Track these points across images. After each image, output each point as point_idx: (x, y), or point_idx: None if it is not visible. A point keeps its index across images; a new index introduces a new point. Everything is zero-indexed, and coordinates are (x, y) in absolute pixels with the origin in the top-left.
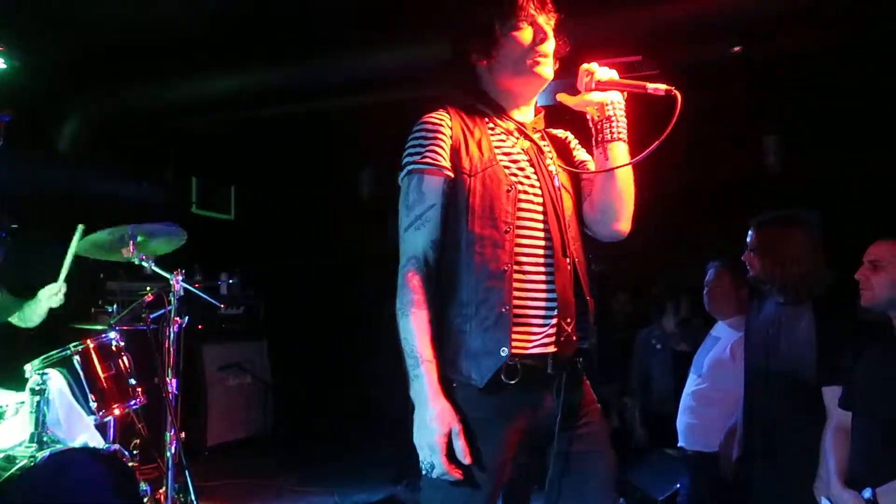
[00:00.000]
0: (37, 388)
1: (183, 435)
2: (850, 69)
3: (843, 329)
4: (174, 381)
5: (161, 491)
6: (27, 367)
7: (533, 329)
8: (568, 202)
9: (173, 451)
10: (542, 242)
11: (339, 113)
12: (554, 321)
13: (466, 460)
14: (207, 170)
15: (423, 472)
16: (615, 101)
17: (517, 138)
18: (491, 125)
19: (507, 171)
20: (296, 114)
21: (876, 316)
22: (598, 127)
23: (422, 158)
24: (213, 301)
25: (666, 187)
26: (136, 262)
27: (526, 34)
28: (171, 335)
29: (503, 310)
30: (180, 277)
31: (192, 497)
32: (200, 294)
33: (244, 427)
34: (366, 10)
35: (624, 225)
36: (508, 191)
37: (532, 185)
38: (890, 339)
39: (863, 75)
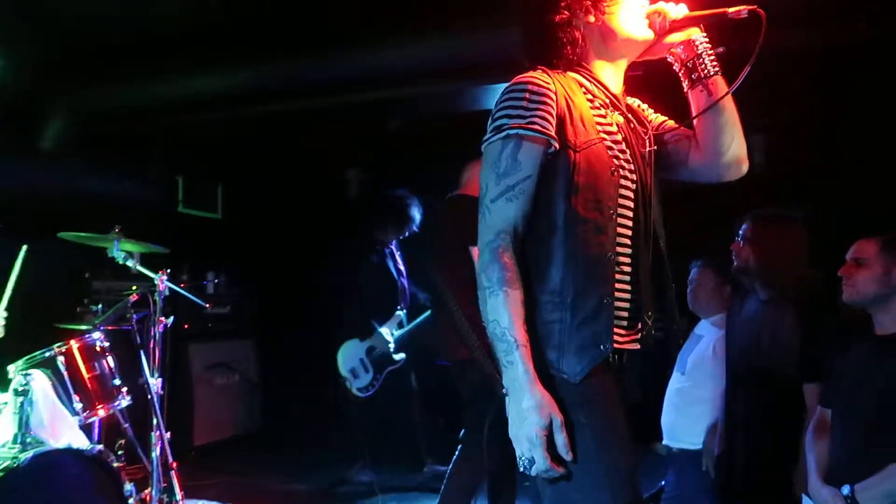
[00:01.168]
0: (20, 388)
1: (168, 435)
2: (834, 69)
3: (826, 328)
4: (159, 380)
5: (147, 491)
6: (10, 368)
7: (624, 322)
8: (654, 181)
9: (159, 451)
10: (631, 230)
11: (327, 111)
12: (638, 314)
13: (568, 456)
14: (194, 168)
15: (521, 469)
16: (698, 36)
17: (612, 111)
18: (590, 96)
19: (609, 151)
20: (284, 112)
21: (857, 313)
22: (691, 66)
23: (527, 123)
24: (199, 301)
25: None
26: (121, 262)
27: None
28: (157, 335)
29: (606, 301)
30: (165, 277)
31: (177, 497)
32: (186, 294)
33: (231, 426)
34: (353, 9)
35: (744, 153)
36: (613, 172)
37: (629, 167)
38: (871, 338)
39: (846, 76)
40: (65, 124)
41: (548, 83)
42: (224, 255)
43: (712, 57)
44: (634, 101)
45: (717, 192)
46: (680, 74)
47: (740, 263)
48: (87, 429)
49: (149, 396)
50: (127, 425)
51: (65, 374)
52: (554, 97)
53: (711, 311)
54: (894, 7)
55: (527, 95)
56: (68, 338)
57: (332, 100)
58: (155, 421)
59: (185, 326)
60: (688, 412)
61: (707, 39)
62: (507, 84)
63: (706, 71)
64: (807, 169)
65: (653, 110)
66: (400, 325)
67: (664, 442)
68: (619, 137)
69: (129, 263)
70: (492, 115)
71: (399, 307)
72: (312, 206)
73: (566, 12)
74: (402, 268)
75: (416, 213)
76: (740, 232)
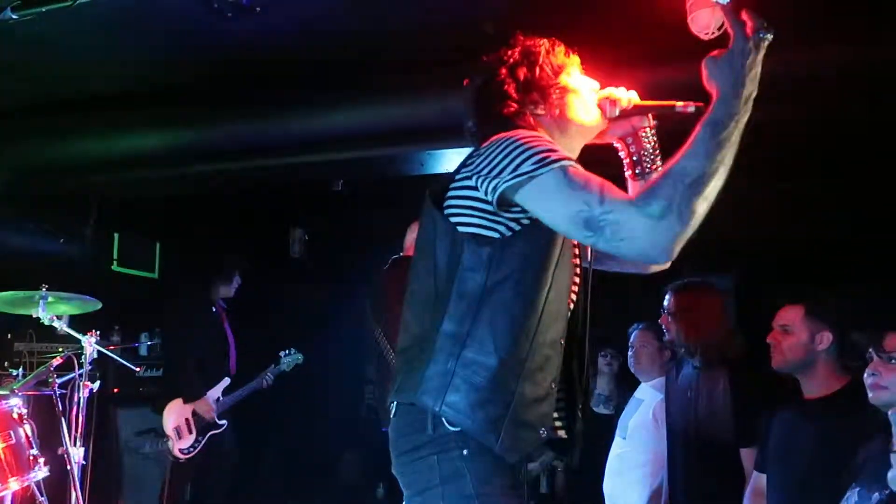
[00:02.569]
0: None
1: None
2: (765, 140)
3: (756, 392)
4: (82, 449)
5: None
6: None
7: (557, 411)
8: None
9: None
10: (572, 314)
11: (270, 171)
12: (568, 403)
13: None
14: (131, 225)
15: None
16: (646, 127)
17: None
18: None
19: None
20: (226, 171)
21: (785, 378)
22: (636, 159)
23: (562, 154)
24: (129, 364)
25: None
26: (47, 323)
27: (582, 80)
28: (81, 400)
29: (553, 386)
30: (94, 339)
31: None
32: (114, 357)
33: (161, 498)
34: (294, 71)
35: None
36: (573, 257)
37: (576, 253)
38: (799, 402)
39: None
40: None
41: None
42: (159, 315)
43: (656, 152)
44: None
45: None
46: (624, 162)
47: (670, 337)
48: None
49: (69, 467)
50: (43, 499)
51: None
52: None
53: (652, 375)
54: (824, 88)
55: (542, 140)
56: None
57: (274, 160)
58: (74, 495)
59: (115, 391)
60: (629, 477)
61: (654, 134)
62: (505, 133)
63: (649, 166)
64: (737, 235)
65: None
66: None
67: None
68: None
69: (56, 325)
70: (504, 154)
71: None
72: (255, 267)
73: (514, 105)
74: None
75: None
76: (664, 305)
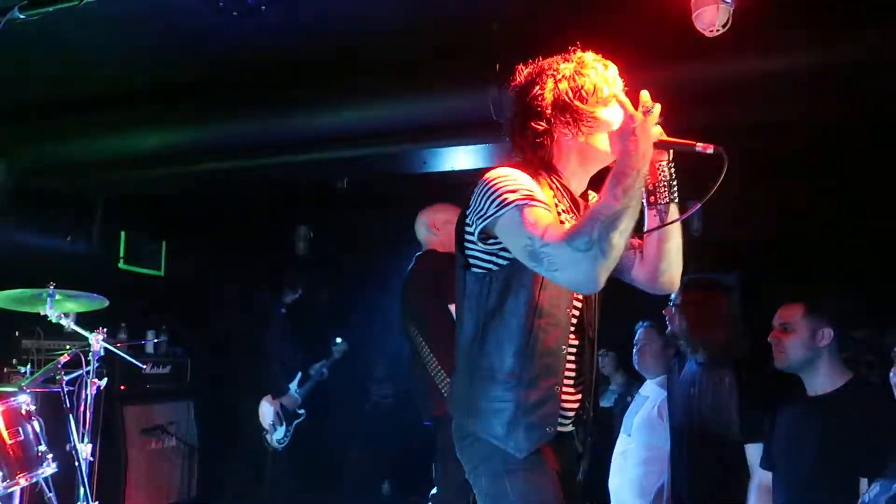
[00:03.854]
0: None
1: None
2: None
3: (762, 389)
4: (89, 446)
5: None
6: None
7: (568, 408)
8: None
9: None
10: (577, 322)
11: (275, 169)
12: (579, 401)
13: None
14: (137, 224)
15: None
16: (665, 161)
17: (572, 217)
18: (556, 198)
19: None
20: (231, 169)
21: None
22: (651, 189)
23: (529, 195)
24: (135, 362)
25: None
26: (54, 321)
27: (617, 109)
28: (89, 397)
29: (556, 389)
30: (101, 337)
31: None
32: (121, 354)
33: (167, 494)
34: (302, 70)
35: (678, 278)
36: None
37: None
38: (803, 400)
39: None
40: (4, 179)
41: (527, 175)
42: (166, 313)
43: (673, 184)
44: (594, 198)
45: None
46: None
47: (672, 329)
48: (7, 499)
49: (76, 463)
50: (52, 495)
51: None
52: (536, 186)
53: (657, 372)
54: (824, 87)
55: (517, 179)
56: None
57: (279, 158)
58: (82, 490)
59: (122, 388)
60: (634, 474)
61: (672, 168)
62: (489, 173)
63: (664, 198)
64: (743, 235)
65: None
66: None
67: None
68: None
69: (63, 322)
70: (482, 197)
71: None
72: (260, 264)
73: (544, 124)
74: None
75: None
76: (671, 298)
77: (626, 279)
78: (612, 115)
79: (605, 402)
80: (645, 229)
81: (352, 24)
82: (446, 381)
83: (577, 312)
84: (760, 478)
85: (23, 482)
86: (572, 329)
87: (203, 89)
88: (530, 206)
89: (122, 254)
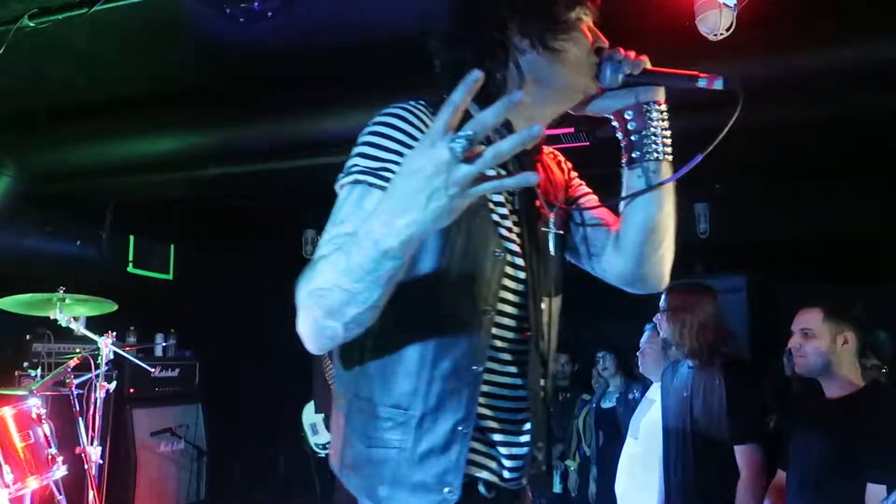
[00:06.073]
0: None
1: None
2: (775, 140)
3: (751, 391)
4: (99, 449)
5: None
6: None
7: (495, 458)
8: (554, 271)
9: None
10: (516, 334)
11: (283, 173)
12: (525, 447)
13: None
14: (146, 228)
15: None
16: (655, 103)
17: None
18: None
19: (496, 227)
20: (239, 174)
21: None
22: (636, 141)
23: (379, 169)
24: (144, 365)
25: None
26: (64, 325)
27: (588, 31)
28: (98, 400)
29: (462, 428)
30: (110, 340)
31: None
32: (131, 357)
33: (175, 497)
34: (310, 75)
35: (667, 272)
36: (497, 256)
37: (518, 251)
38: (821, 402)
39: (785, 146)
40: (13, 183)
41: (421, 121)
42: (174, 316)
43: (664, 138)
44: (548, 151)
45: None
46: (621, 145)
47: (663, 334)
48: (18, 502)
49: (86, 466)
50: (62, 497)
51: None
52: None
53: (661, 375)
54: (833, 86)
55: (391, 132)
56: (2, 404)
57: (287, 163)
58: (92, 493)
59: (130, 391)
60: (641, 478)
61: (665, 114)
62: (376, 116)
63: (652, 153)
64: (751, 236)
65: (576, 173)
66: None
67: None
68: (506, 210)
69: (73, 326)
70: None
71: None
72: (268, 267)
73: (497, 32)
74: None
75: None
76: (661, 303)
77: (589, 270)
78: (587, 32)
79: (608, 403)
80: (624, 194)
81: (359, 29)
82: None
83: (512, 312)
84: (776, 478)
85: (34, 484)
86: (505, 338)
87: (211, 95)
88: (366, 192)
89: (130, 258)
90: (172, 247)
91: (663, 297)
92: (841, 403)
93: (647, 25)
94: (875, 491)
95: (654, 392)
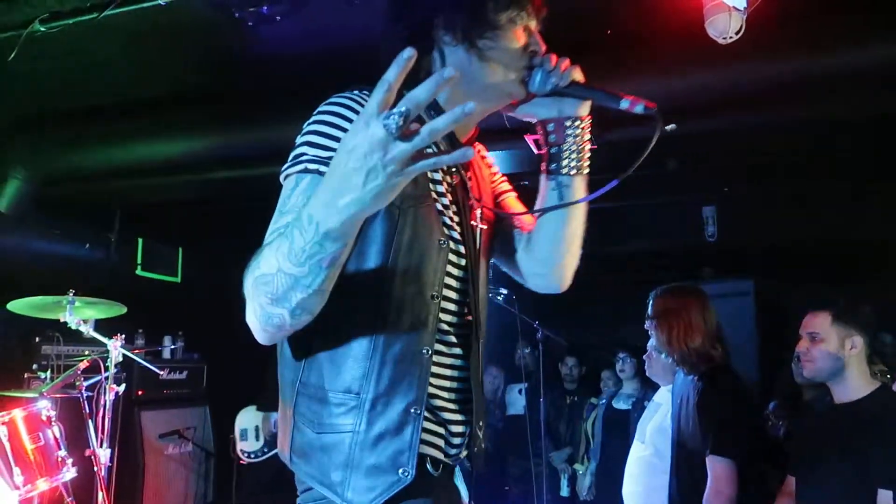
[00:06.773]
0: None
1: None
2: (782, 143)
3: (721, 400)
4: (108, 451)
5: None
6: None
7: (443, 435)
8: (482, 262)
9: None
10: (459, 318)
11: None
12: (467, 424)
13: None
14: (154, 231)
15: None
16: (577, 118)
17: (445, 168)
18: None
19: (441, 216)
20: (247, 177)
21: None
22: (555, 153)
23: (329, 157)
24: (153, 367)
25: (612, 254)
26: (74, 327)
27: (522, 35)
28: (107, 403)
29: (414, 410)
30: (119, 343)
31: None
32: (139, 360)
33: (183, 499)
34: (319, 78)
35: (569, 277)
36: (441, 244)
37: (459, 238)
38: (830, 407)
39: (792, 149)
40: (22, 187)
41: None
42: (183, 319)
43: (582, 152)
44: (476, 148)
45: (676, 260)
46: (543, 153)
47: (652, 340)
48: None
49: (95, 468)
50: (71, 499)
51: (6, 445)
52: None
53: (668, 379)
54: (839, 90)
55: (334, 120)
56: (12, 406)
57: None
58: (101, 495)
59: (139, 393)
60: (648, 482)
61: (585, 129)
62: (322, 104)
63: (569, 168)
64: (758, 240)
65: (498, 170)
66: None
67: None
68: (447, 200)
69: (82, 329)
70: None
71: None
72: None
73: (423, 27)
74: None
75: None
76: (647, 310)
77: (502, 267)
78: (519, 34)
79: (621, 405)
80: (538, 205)
81: (367, 34)
82: None
83: (454, 296)
84: (786, 483)
85: (43, 486)
86: (450, 323)
87: (219, 98)
88: (318, 176)
89: (139, 261)
90: (181, 250)
91: (650, 302)
92: (850, 408)
93: (656, 29)
94: (885, 497)
95: (661, 396)
